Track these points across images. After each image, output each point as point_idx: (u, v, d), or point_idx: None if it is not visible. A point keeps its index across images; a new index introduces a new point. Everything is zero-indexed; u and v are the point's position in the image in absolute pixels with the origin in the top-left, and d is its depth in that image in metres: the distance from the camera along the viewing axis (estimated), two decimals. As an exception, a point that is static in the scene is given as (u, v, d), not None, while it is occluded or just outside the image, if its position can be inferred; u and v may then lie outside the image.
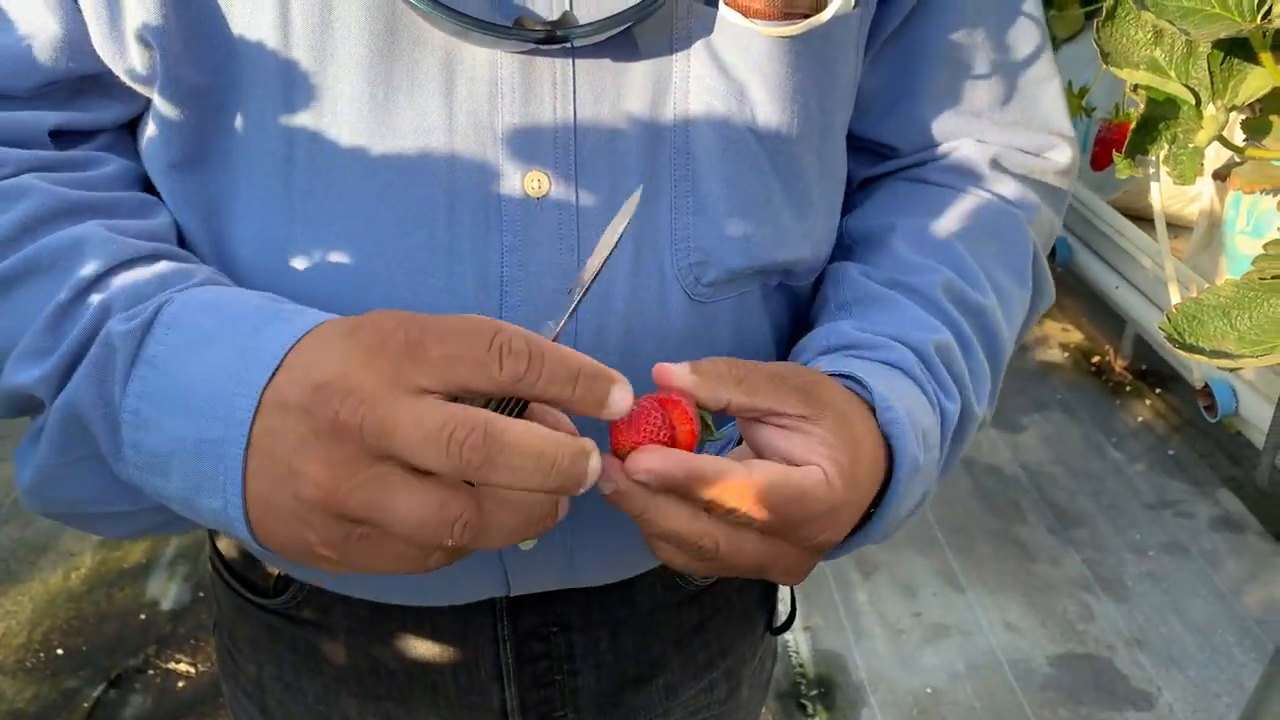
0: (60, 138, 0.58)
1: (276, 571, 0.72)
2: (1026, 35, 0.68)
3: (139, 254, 0.53)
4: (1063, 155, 0.71)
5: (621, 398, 0.45)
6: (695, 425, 0.48)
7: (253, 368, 0.45)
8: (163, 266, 0.52)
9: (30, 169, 0.55)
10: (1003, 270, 0.67)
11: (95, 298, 0.50)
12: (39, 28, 0.55)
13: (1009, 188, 0.70)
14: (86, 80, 0.58)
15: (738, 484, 0.47)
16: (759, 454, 0.51)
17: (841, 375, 0.55)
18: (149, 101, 0.58)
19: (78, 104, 0.58)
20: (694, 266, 0.60)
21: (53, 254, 0.51)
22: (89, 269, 0.50)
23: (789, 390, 0.50)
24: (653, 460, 0.46)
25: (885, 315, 0.62)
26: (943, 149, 0.70)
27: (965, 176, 0.69)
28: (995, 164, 0.69)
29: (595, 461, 0.44)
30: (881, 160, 0.72)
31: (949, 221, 0.67)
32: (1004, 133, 0.69)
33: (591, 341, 0.59)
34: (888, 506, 0.54)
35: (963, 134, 0.69)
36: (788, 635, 2.08)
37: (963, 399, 0.61)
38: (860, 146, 0.71)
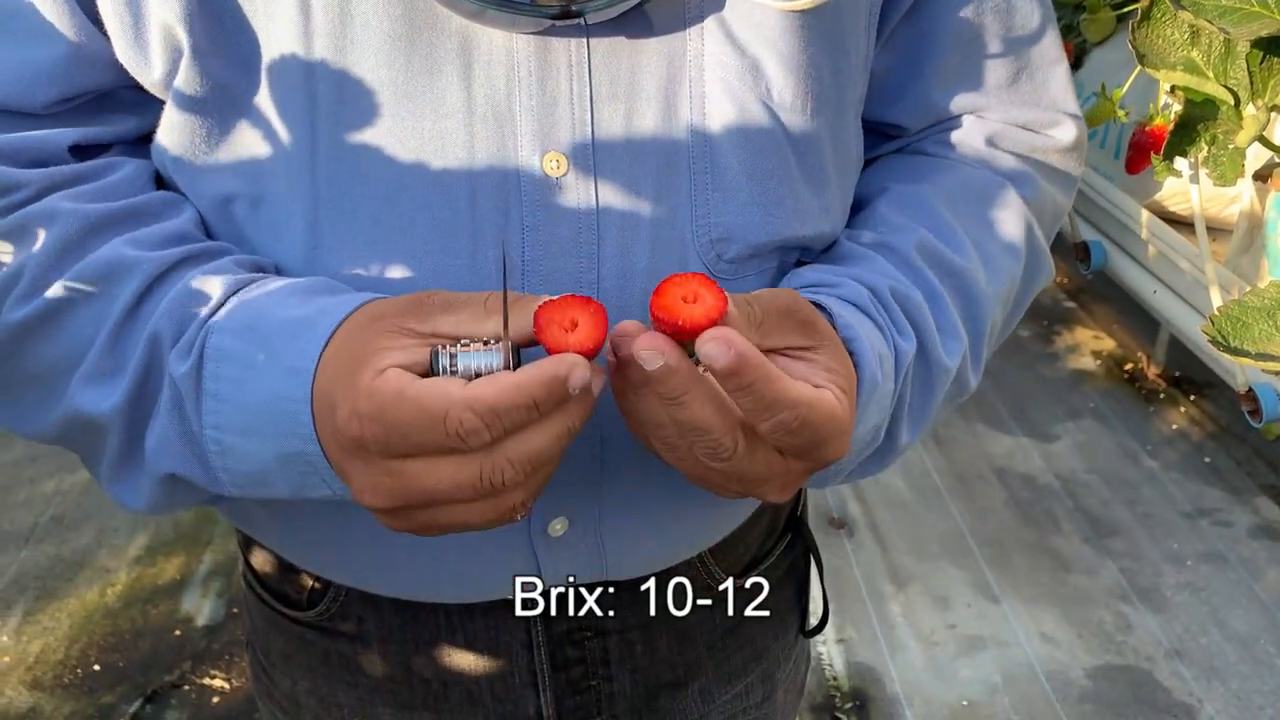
0: (77, 152, 0.59)
1: (310, 584, 0.72)
2: (1034, 17, 0.69)
3: (168, 264, 0.55)
4: (1066, 133, 0.72)
5: (581, 377, 0.46)
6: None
7: (296, 385, 0.50)
8: (192, 279, 0.55)
9: (51, 187, 0.57)
10: (990, 238, 0.68)
11: (142, 326, 0.54)
12: (53, 43, 0.56)
13: (1004, 162, 0.71)
14: (102, 97, 0.59)
15: (793, 392, 0.48)
16: None
17: None
18: (164, 107, 0.59)
19: (95, 120, 0.59)
20: (715, 243, 0.60)
21: (90, 280, 0.54)
22: (128, 292, 0.54)
23: (794, 325, 0.52)
24: (735, 337, 0.46)
25: (850, 264, 0.63)
26: (945, 124, 0.71)
27: (961, 150, 0.71)
28: (991, 142, 0.70)
29: (579, 374, 0.46)
30: (889, 140, 0.73)
31: (936, 187, 0.68)
32: (1010, 110, 0.70)
33: (614, 319, 0.59)
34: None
35: (970, 111, 0.71)
36: (821, 648, 2.07)
37: (924, 345, 0.62)
38: (871, 129, 0.72)
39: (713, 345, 0.46)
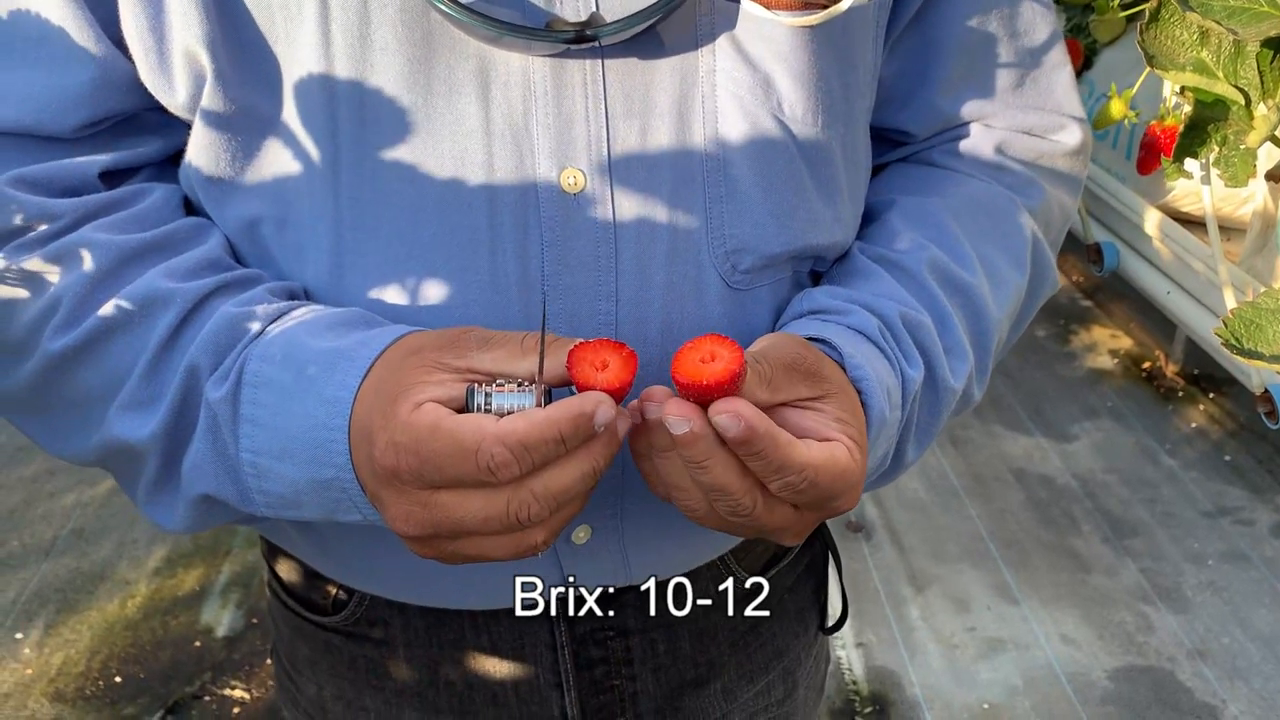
0: (107, 177, 0.61)
1: (336, 591, 0.73)
2: (1037, 22, 0.70)
3: (203, 294, 0.57)
4: (1072, 137, 0.73)
5: (606, 414, 0.48)
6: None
7: (334, 414, 0.52)
8: (227, 310, 0.56)
9: (85, 216, 0.58)
10: (997, 252, 0.69)
11: (179, 357, 0.56)
12: (80, 67, 0.57)
13: (1011, 174, 0.72)
14: (128, 120, 0.61)
15: (800, 457, 0.50)
16: None
17: (814, 339, 0.59)
18: (189, 130, 0.60)
19: (122, 143, 0.61)
20: (730, 254, 0.61)
21: (128, 312, 0.56)
22: (164, 324, 0.56)
23: (801, 377, 0.53)
24: (745, 408, 0.48)
25: (863, 285, 0.64)
26: (952, 133, 0.72)
27: (969, 160, 0.72)
28: (1000, 150, 0.72)
29: (604, 411, 0.48)
30: (896, 147, 0.74)
31: (945, 201, 0.69)
32: (1015, 115, 0.71)
33: (631, 332, 0.60)
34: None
35: (976, 118, 0.72)
36: (840, 652, 2.06)
37: (932, 370, 0.63)
38: (878, 136, 0.73)
39: (724, 417, 0.48)
